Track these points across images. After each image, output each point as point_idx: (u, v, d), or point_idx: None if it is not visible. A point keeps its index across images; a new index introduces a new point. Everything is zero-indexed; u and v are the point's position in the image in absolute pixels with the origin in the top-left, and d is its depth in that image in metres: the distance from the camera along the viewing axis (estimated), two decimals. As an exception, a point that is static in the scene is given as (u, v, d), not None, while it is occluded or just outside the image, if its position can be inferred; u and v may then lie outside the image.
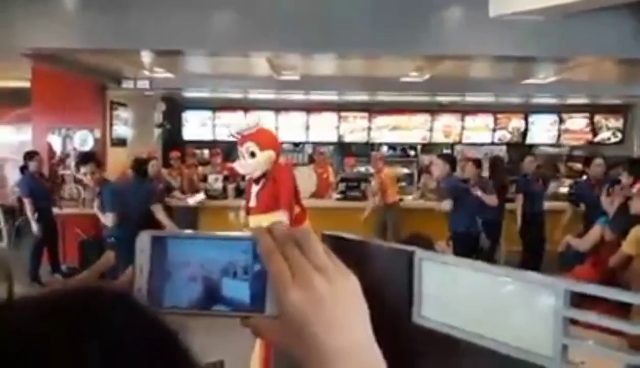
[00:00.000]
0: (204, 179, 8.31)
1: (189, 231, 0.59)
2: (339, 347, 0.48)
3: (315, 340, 0.48)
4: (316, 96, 9.87)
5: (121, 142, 8.79)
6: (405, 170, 10.55)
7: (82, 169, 4.86)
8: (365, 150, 10.92)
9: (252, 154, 3.61)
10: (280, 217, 3.77)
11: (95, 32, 5.31)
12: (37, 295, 0.42)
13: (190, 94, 9.96)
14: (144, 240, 0.55)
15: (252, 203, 3.72)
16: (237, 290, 0.53)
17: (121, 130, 8.91)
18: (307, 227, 0.55)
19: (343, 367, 0.47)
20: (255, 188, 3.73)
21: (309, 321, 0.48)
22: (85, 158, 5.16)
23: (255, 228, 0.54)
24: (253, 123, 3.77)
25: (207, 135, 10.83)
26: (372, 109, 10.71)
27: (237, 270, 0.54)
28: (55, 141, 7.74)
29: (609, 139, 10.80)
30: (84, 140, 7.72)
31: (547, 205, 6.80)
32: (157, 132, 10.13)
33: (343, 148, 10.97)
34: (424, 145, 11.10)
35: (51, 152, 7.62)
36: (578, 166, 10.21)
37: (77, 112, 7.80)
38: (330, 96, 9.85)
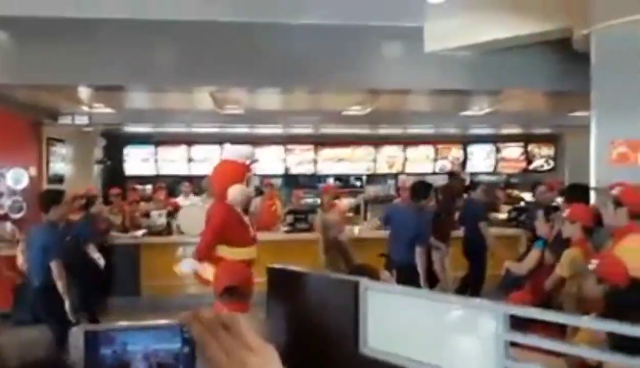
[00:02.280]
0: (147, 215, 8.08)
1: (120, 323, 0.62)
2: None
3: None
4: (262, 129, 9.90)
5: (58, 180, 8.45)
6: (352, 201, 10.65)
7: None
8: (312, 182, 10.99)
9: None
10: None
11: (30, 67, 5.15)
12: None
13: (131, 128, 9.77)
14: (77, 336, 0.60)
15: (252, 233, 3.86)
16: None
17: (59, 167, 8.58)
18: (230, 313, 0.63)
19: None
20: (246, 218, 3.85)
21: None
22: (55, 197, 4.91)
23: (183, 316, 0.60)
24: (253, 153, 4.04)
25: (149, 171, 10.61)
26: (318, 142, 10.86)
27: (168, 355, 0.60)
28: (-14, 180, 7.36)
29: (542, 166, 11.39)
30: (17, 178, 7.36)
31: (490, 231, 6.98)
32: (97, 168, 9.82)
33: (290, 180, 11.00)
34: (369, 176, 11.31)
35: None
36: (516, 193, 10.69)
37: (10, 150, 7.45)
38: (276, 129, 9.91)
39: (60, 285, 4.46)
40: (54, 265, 4.44)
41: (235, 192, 3.71)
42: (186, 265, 3.80)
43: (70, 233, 5.39)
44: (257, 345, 0.58)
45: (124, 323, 0.62)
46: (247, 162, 3.86)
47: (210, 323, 0.58)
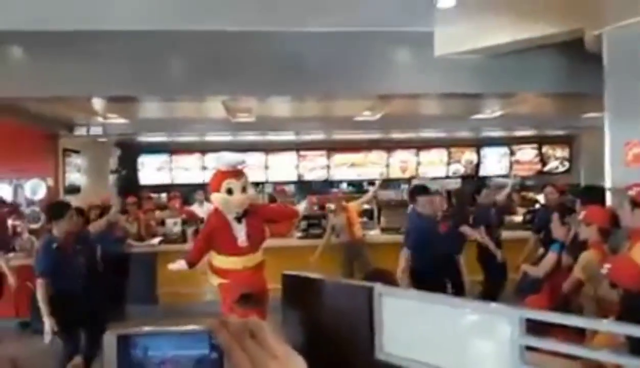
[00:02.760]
0: (162, 223, 8.15)
1: (150, 328, 0.64)
2: None
3: None
4: (274, 137, 9.95)
5: (75, 190, 8.57)
6: (365, 206, 10.64)
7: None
8: (325, 187, 11.00)
9: (244, 189, 3.66)
10: (261, 255, 3.84)
11: (44, 80, 5.23)
12: None
13: (145, 138, 9.87)
14: (110, 339, 0.62)
15: (243, 243, 3.69)
16: None
17: (75, 177, 8.69)
18: (257, 319, 0.61)
19: None
20: (240, 227, 3.69)
21: None
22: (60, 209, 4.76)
23: (211, 322, 0.60)
24: (240, 159, 3.80)
25: (164, 179, 10.71)
26: (330, 148, 10.88)
27: (196, 360, 0.61)
28: (5, 191, 7.47)
29: (557, 168, 11.29)
30: (35, 189, 7.47)
31: (506, 234, 6.91)
32: (113, 178, 9.93)
33: (303, 186, 11.02)
34: (381, 181, 11.29)
35: (1, 202, 7.32)
36: (531, 195, 10.60)
37: (28, 161, 7.58)
38: (288, 136, 9.95)
39: (41, 306, 4.37)
40: (38, 284, 4.39)
41: (215, 201, 3.70)
42: (176, 265, 3.86)
43: (68, 246, 5.30)
44: (282, 354, 0.57)
45: (152, 328, 0.63)
46: (229, 169, 3.72)
47: (236, 330, 0.58)
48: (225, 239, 3.69)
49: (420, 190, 5.64)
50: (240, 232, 3.69)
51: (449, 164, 11.18)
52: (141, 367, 0.61)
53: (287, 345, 0.59)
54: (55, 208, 4.83)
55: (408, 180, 11.14)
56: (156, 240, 7.53)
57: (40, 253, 4.57)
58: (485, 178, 11.13)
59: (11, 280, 5.63)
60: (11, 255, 6.82)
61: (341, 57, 5.31)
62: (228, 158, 3.78)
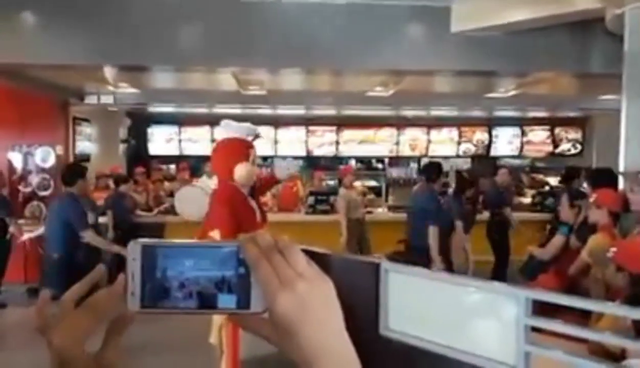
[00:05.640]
0: (171, 194, 8.19)
1: (177, 240, 0.62)
2: (321, 341, 0.56)
3: (300, 337, 0.55)
4: (284, 110, 9.90)
5: (85, 158, 8.61)
6: (374, 183, 10.63)
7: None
8: (333, 163, 10.97)
9: (253, 162, 3.56)
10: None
11: (56, 47, 5.21)
12: None
13: (155, 109, 9.86)
14: (135, 249, 0.59)
15: (258, 217, 3.57)
16: (225, 291, 0.59)
17: (85, 146, 8.73)
18: (287, 239, 0.59)
19: (324, 358, 0.55)
20: (252, 202, 3.57)
21: (294, 321, 0.55)
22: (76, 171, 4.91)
23: (241, 237, 0.59)
24: (256, 130, 3.67)
25: (173, 151, 10.72)
26: (340, 123, 10.80)
27: (224, 274, 0.59)
28: (16, 158, 7.52)
29: (569, 150, 11.15)
30: (45, 156, 7.51)
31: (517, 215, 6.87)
32: (122, 147, 9.96)
33: (312, 162, 11.00)
34: (391, 159, 11.24)
35: (12, 169, 7.38)
36: (541, 177, 10.52)
37: (39, 129, 7.61)
38: (298, 110, 9.89)
39: (106, 244, 4.90)
40: (87, 235, 4.55)
41: (241, 172, 3.48)
42: None
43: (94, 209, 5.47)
44: (309, 273, 0.57)
45: (179, 240, 0.61)
46: (250, 138, 3.60)
47: (266, 246, 0.57)
48: (248, 215, 3.50)
49: (438, 167, 5.65)
50: (255, 206, 3.59)
51: (459, 143, 11.08)
52: (167, 274, 0.59)
53: (316, 266, 0.59)
54: (78, 168, 5.03)
55: (418, 159, 11.08)
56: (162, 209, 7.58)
57: (75, 209, 4.63)
58: (496, 158, 11.05)
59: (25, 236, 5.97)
60: (22, 221, 6.91)
61: (355, 30, 5.23)
62: (244, 127, 3.62)
